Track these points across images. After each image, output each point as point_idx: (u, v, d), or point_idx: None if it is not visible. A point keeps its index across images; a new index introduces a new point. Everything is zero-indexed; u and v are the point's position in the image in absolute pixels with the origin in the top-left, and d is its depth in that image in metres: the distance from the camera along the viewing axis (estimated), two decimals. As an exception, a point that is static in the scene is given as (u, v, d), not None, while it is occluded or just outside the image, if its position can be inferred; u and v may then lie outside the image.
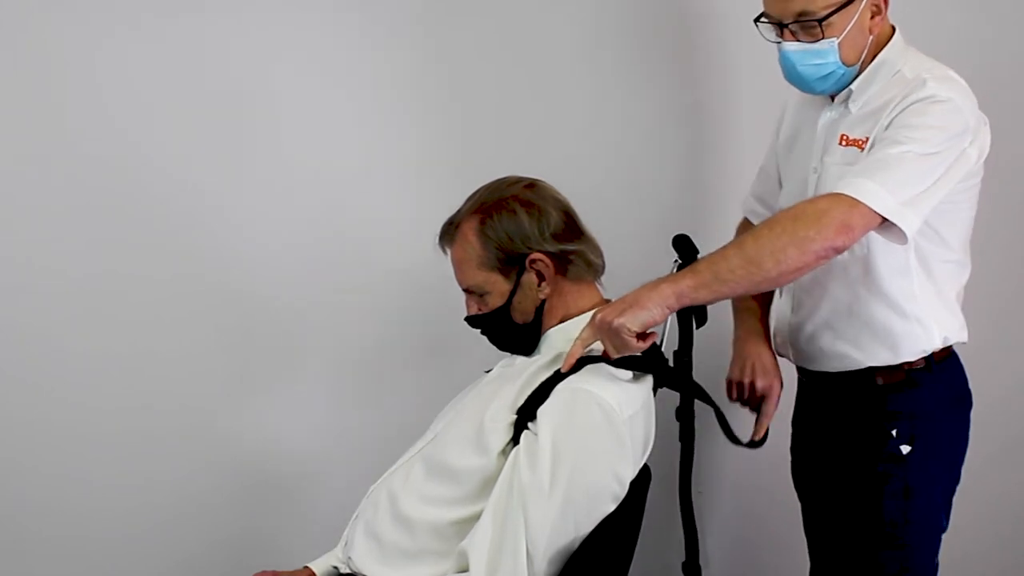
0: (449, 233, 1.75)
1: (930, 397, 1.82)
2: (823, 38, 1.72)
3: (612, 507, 1.63)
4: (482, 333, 1.79)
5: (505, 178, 1.77)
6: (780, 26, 1.75)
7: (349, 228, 2.31)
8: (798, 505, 2.01)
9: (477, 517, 1.62)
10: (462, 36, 2.31)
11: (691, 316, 1.72)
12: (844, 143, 1.80)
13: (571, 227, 1.73)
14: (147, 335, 2.25)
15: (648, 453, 1.73)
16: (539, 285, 1.72)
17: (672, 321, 1.72)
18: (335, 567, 1.81)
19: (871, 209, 1.61)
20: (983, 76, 1.81)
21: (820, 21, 1.70)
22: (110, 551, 2.28)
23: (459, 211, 1.75)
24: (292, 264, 2.30)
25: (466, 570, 1.60)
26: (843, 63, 1.75)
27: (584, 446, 1.60)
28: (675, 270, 1.72)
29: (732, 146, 2.32)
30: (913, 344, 1.82)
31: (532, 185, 1.75)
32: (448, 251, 1.76)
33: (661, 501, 1.85)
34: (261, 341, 2.32)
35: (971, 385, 1.90)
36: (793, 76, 1.79)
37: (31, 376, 2.19)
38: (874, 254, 1.79)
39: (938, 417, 1.83)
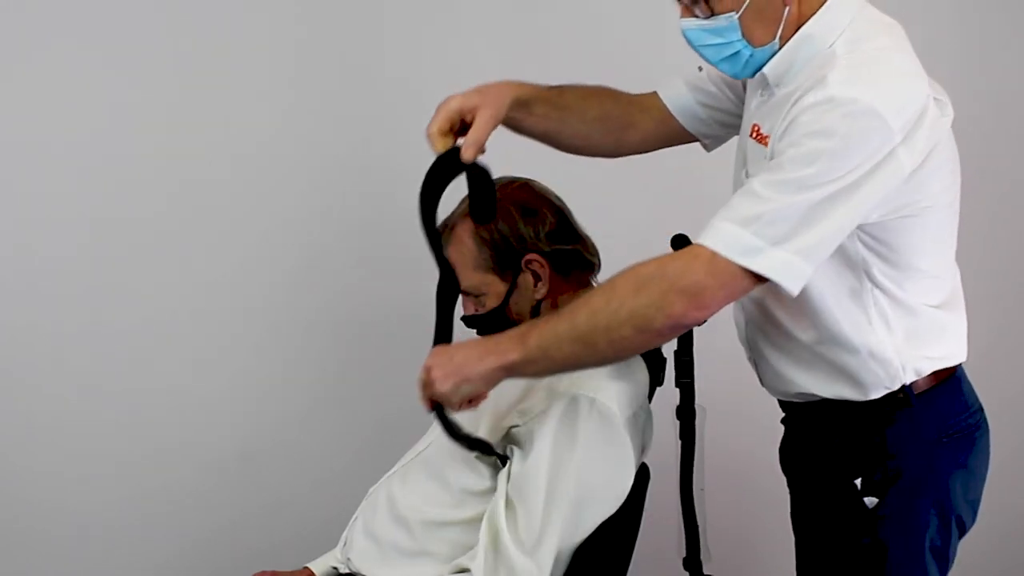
0: (444, 235, 1.74)
1: (910, 434, 1.52)
2: (714, 13, 1.43)
3: (614, 509, 1.64)
4: (478, 333, 1.78)
5: (499, 178, 1.74)
6: None
7: (347, 228, 2.32)
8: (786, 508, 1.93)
9: (476, 519, 1.63)
10: (461, 34, 2.31)
11: None
12: (755, 135, 1.50)
13: (566, 227, 1.73)
14: (147, 336, 2.26)
15: (647, 452, 1.72)
16: (535, 285, 1.72)
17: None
18: (334, 567, 1.82)
19: (735, 264, 1.34)
20: (986, 80, 1.76)
21: None
22: (109, 552, 2.30)
23: (453, 213, 1.74)
24: (291, 266, 2.31)
25: (466, 570, 1.61)
26: (750, 43, 1.44)
27: (585, 453, 1.60)
28: None
29: (732, 145, 2.31)
30: (874, 381, 1.51)
31: (526, 185, 1.74)
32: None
33: (661, 499, 1.84)
34: (262, 342, 2.33)
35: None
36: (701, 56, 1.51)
37: (29, 375, 2.21)
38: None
39: (923, 457, 1.53)
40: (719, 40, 1.44)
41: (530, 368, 1.45)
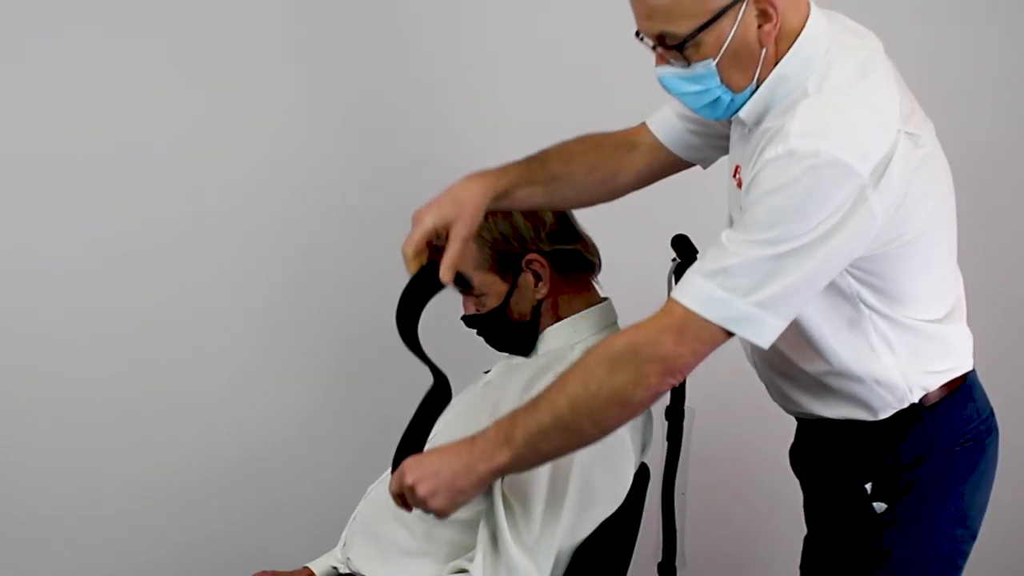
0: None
1: (922, 446, 1.51)
2: (692, 62, 1.36)
3: (614, 508, 1.64)
4: (478, 334, 1.79)
5: (500, 178, 1.76)
6: (652, 46, 1.40)
7: (348, 228, 2.32)
8: (785, 509, 1.90)
9: (475, 519, 1.63)
10: (462, 33, 2.31)
11: None
12: (736, 175, 1.47)
13: (566, 227, 1.73)
14: (147, 336, 2.26)
15: (648, 452, 1.72)
16: (536, 285, 1.72)
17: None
18: (334, 567, 1.82)
19: (702, 319, 1.32)
20: (983, 84, 1.74)
21: (680, 47, 1.34)
22: (109, 551, 2.30)
23: (455, 212, 1.74)
24: (291, 266, 2.31)
25: (464, 571, 1.61)
26: (729, 88, 1.38)
27: (585, 453, 1.58)
28: (673, 270, 1.71)
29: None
30: (883, 404, 1.50)
31: (527, 185, 1.74)
32: (444, 252, 1.76)
33: (660, 500, 1.84)
34: (262, 342, 2.33)
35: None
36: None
37: (30, 375, 2.21)
38: (804, 312, 1.41)
39: (935, 468, 1.51)
40: (697, 87, 1.39)
41: (521, 463, 1.43)
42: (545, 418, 1.38)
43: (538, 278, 1.71)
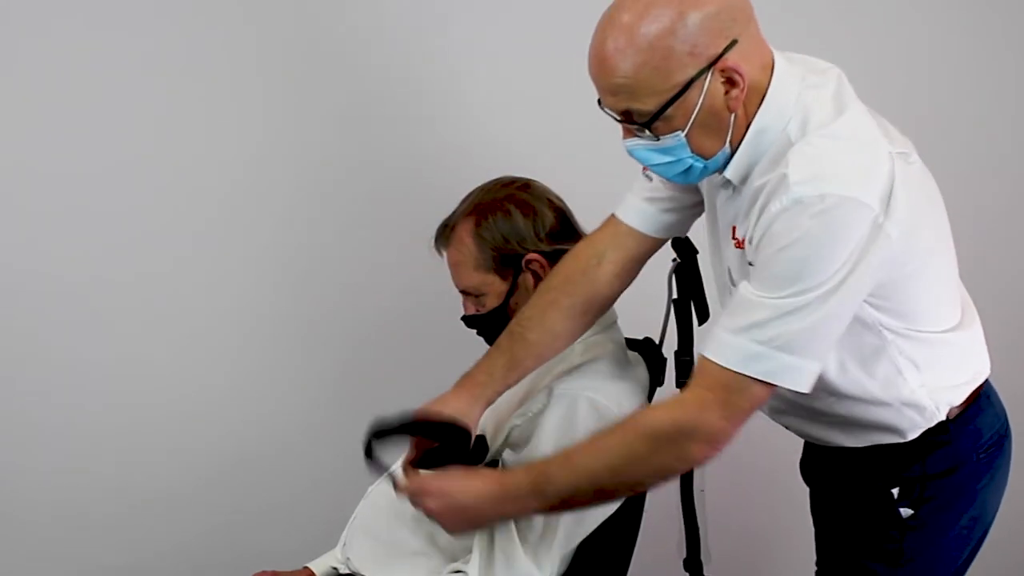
0: (444, 235, 1.74)
1: (948, 456, 1.51)
2: (661, 135, 1.34)
3: (615, 507, 1.63)
4: (478, 334, 1.79)
5: (499, 179, 1.76)
6: (618, 119, 1.38)
7: (348, 229, 2.32)
8: (804, 501, 1.94)
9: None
10: (460, 32, 2.31)
11: (690, 313, 1.71)
12: (734, 238, 1.44)
13: (566, 227, 1.73)
14: (148, 337, 2.26)
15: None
16: (535, 286, 1.71)
17: (671, 316, 1.72)
18: (334, 567, 1.82)
19: (748, 377, 1.31)
20: (984, 83, 1.73)
21: (647, 126, 1.33)
22: (109, 551, 2.30)
23: (454, 213, 1.75)
24: (290, 266, 2.31)
25: (461, 572, 1.61)
26: (700, 156, 1.37)
27: None
28: (673, 270, 1.71)
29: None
30: (911, 425, 1.49)
31: (526, 185, 1.74)
32: (444, 253, 1.76)
33: (661, 499, 1.84)
34: (261, 342, 2.33)
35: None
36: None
37: (31, 376, 2.21)
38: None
39: (960, 476, 1.53)
40: (668, 158, 1.38)
41: (548, 512, 1.52)
42: (584, 483, 1.42)
43: (538, 278, 1.71)
